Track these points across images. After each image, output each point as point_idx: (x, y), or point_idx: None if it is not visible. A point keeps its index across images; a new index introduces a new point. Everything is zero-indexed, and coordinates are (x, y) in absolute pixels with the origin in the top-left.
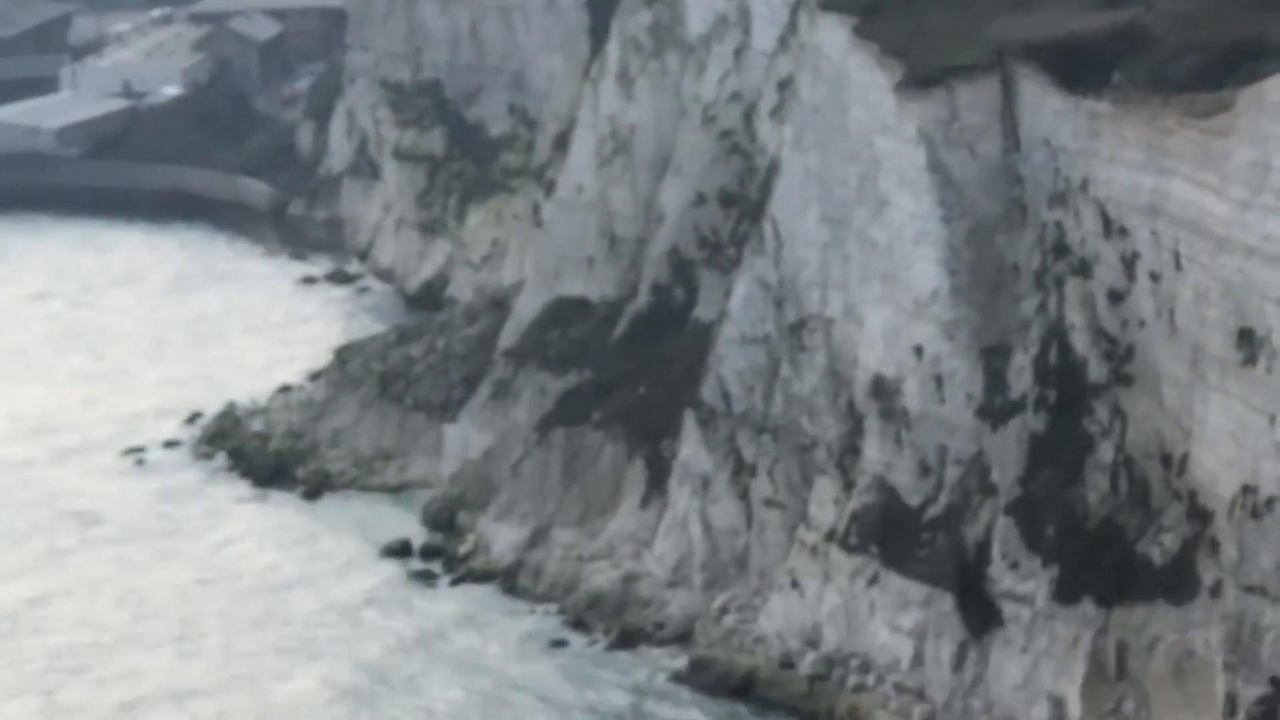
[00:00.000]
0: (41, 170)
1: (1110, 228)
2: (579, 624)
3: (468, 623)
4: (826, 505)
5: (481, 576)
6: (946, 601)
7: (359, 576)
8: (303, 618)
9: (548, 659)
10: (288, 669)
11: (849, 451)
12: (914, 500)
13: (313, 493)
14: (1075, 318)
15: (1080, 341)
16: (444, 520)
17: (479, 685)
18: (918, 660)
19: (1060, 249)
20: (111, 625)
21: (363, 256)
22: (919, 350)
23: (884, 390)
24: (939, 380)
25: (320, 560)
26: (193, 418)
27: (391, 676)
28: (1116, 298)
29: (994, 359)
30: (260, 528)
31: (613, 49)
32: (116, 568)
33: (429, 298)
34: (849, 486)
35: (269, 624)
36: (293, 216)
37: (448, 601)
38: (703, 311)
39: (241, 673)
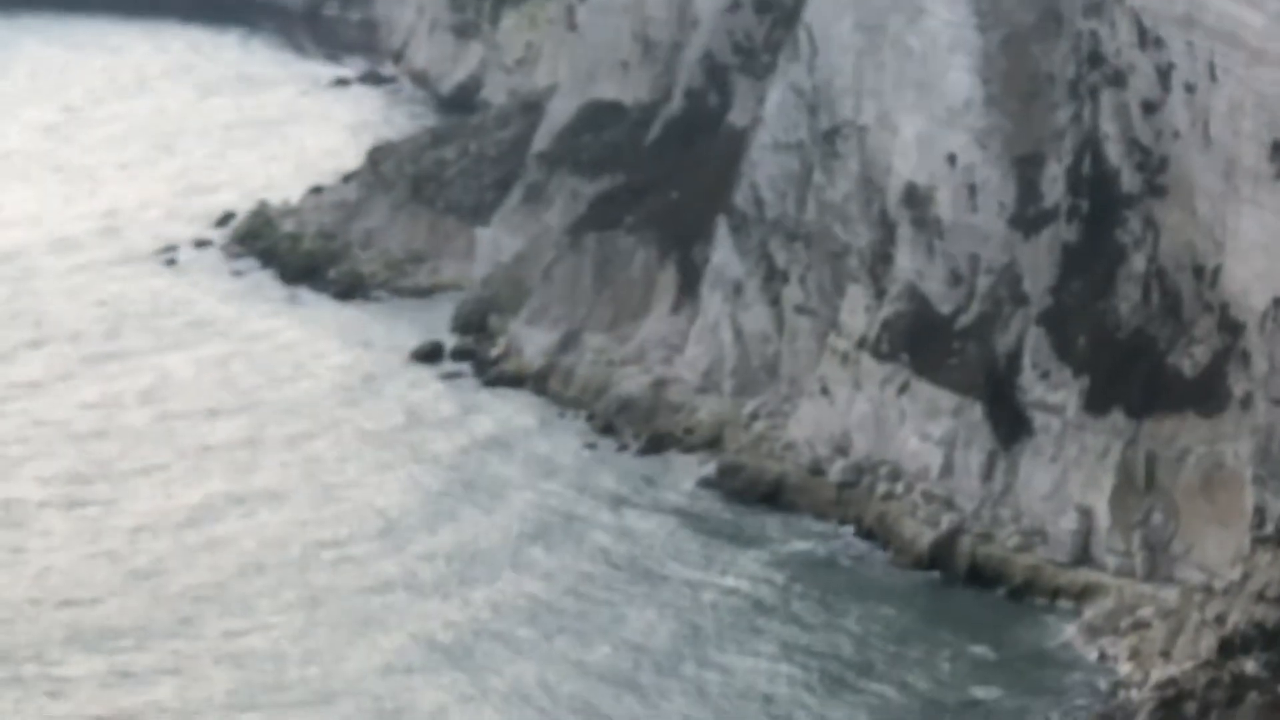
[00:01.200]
0: None
1: (1145, 38)
2: (609, 429)
3: (497, 426)
4: (858, 312)
5: (512, 380)
6: (976, 410)
7: (390, 378)
8: (330, 418)
9: (578, 462)
10: (310, 469)
11: (881, 259)
12: (945, 309)
13: (344, 294)
14: (1109, 128)
15: (1114, 152)
16: (475, 323)
17: (502, 483)
18: (947, 469)
19: (1095, 59)
20: (155, 429)
21: (396, 59)
22: (952, 159)
23: (916, 198)
24: (972, 189)
25: (351, 362)
26: (224, 219)
27: (415, 473)
28: (1151, 109)
29: (1027, 168)
30: (292, 328)
31: None
32: (149, 368)
33: (462, 100)
34: (880, 294)
35: (291, 425)
36: (326, 18)
37: (478, 405)
38: (736, 117)
39: (282, 479)
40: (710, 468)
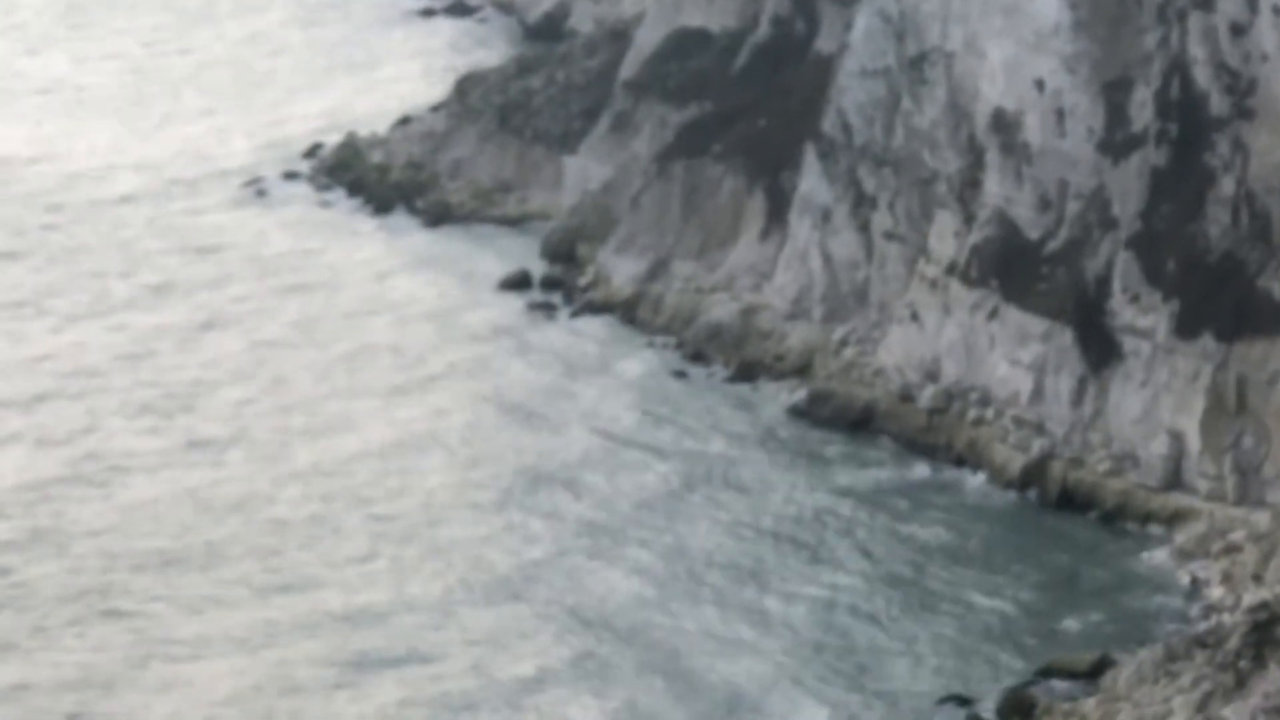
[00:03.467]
0: None
1: None
2: (698, 356)
3: (587, 353)
4: (946, 238)
5: (601, 308)
6: (1066, 335)
7: (479, 307)
8: (418, 348)
9: (668, 389)
10: (395, 403)
11: (969, 185)
12: (1034, 234)
13: (433, 223)
14: (1197, 51)
15: (1202, 75)
16: (563, 252)
17: (592, 412)
18: (1037, 394)
19: None
20: (252, 356)
21: None
22: (1040, 84)
23: (1004, 124)
24: (1060, 114)
25: (440, 290)
26: (312, 149)
27: (509, 402)
28: (1239, 31)
29: (1115, 93)
30: (381, 257)
31: None
32: (239, 298)
33: (549, 29)
34: (969, 220)
35: (380, 356)
36: None
37: (566, 332)
38: (823, 44)
39: (343, 406)
40: (800, 394)
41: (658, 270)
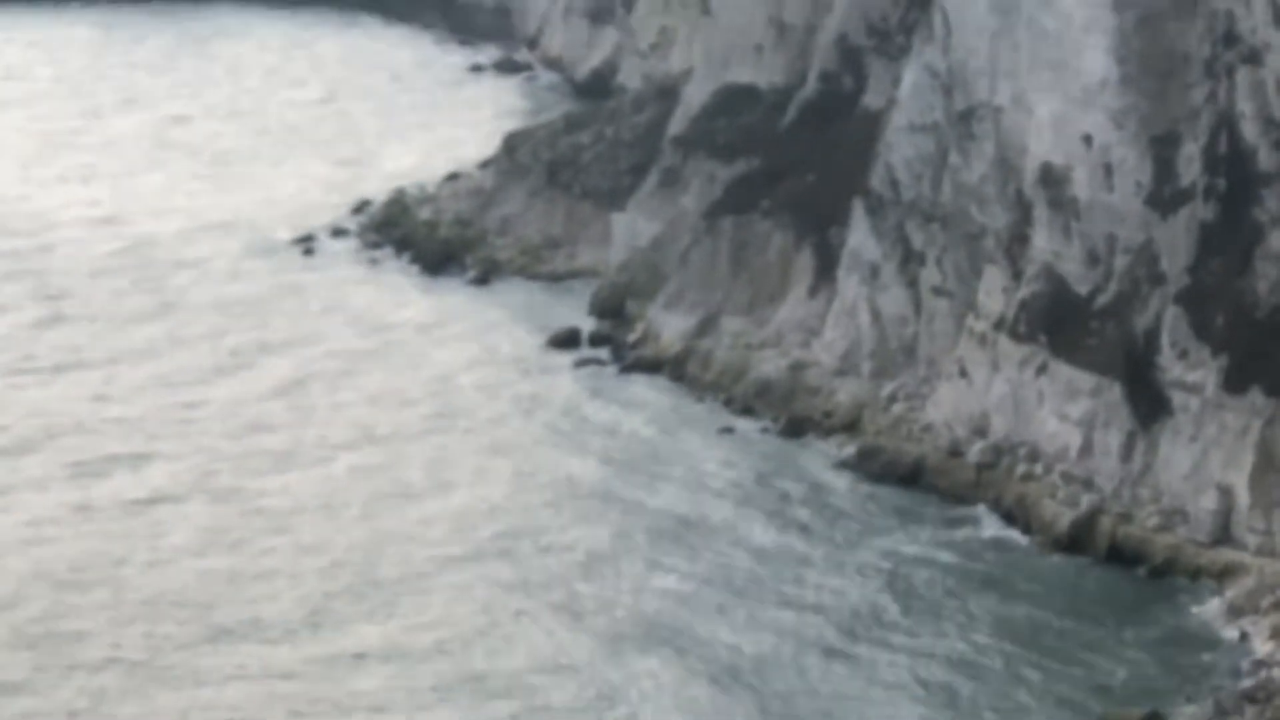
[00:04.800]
0: None
1: None
2: (747, 411)
3: (636, 410)
4: (995, 293)
5: (650, 365)
6: (1115, 390)
7: (527, 364)
8: (466, 404)
9: (716, 445)
10: (472, 458)
11: (1017, 240)
12: (1082, 289)
13: (481, 280)
14: (1245, 106)
15: (1250, 130)
16: (612, 308)
17: (639, 468)
18: (1086, 449)
19: (1230, 38)
20: (277, 407)
21: (531, 45)
22: (1088, 139)
23: (1053, 178)
24: (1108, 168)
25: (488, 348)
26: (360, 206)
27: (555, 457)
28: None
29: (1163, 147)
30: (429, 314)
31: None
32: (289, 352)
33: (597, 86)
34: (1017, 275)
35: (428, 409)
36: (461, 4)
37: (616, 389)
38: (871, 99)
39: (388, 451)
40: (849, 450)
41: (707, 326)
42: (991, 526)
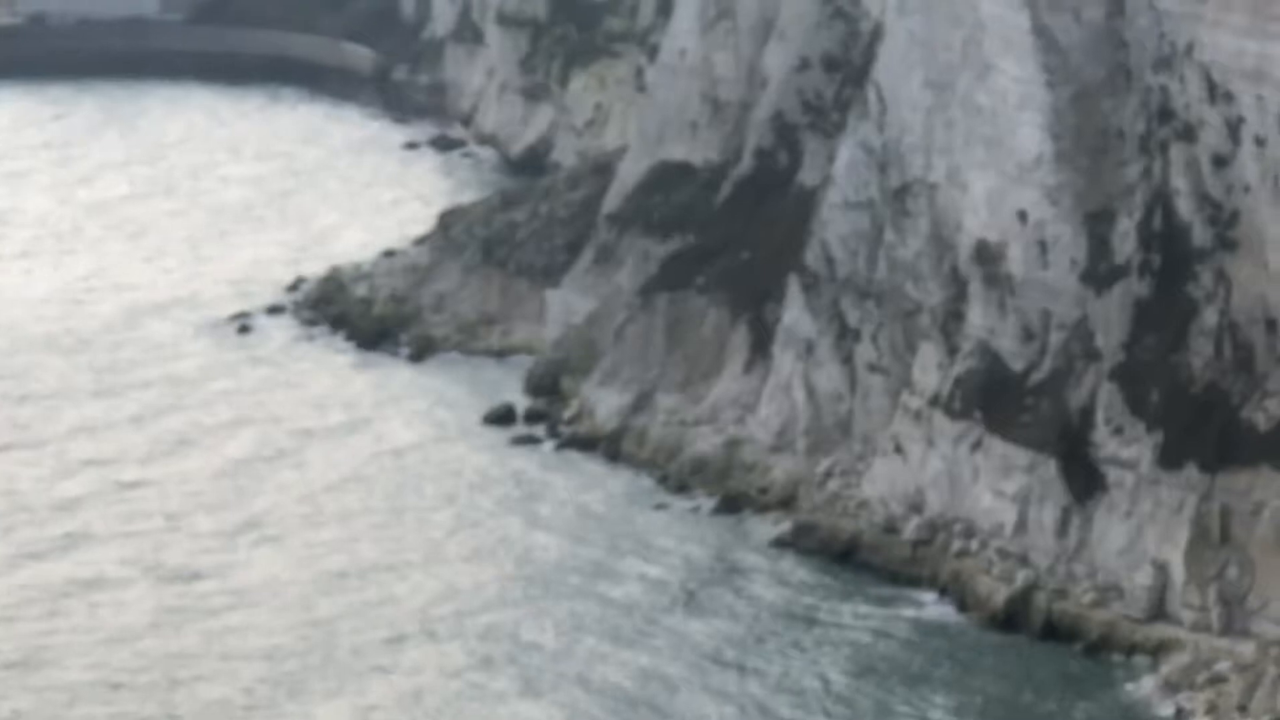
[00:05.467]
0: (144, 36)
1: (1215, 92)
2: (682, 489)
3: (570, 487)
4: (930, 370)
5: (585, 442)
6: (1050, 467)
7: (463, 442)
8: (403, 481)
9: (651, 522)
10: (383, 532)
11: (952, 316)
12: (1017, 365)
13: (416, 357)
14: (1179, 182)
15: (1184, 206)
16: (547, 385)
17: (580, 546)
18: (1021, 526)
19: (1165, 114)
20: (220, 486)
21: (466, 122)
22: (1023, 215)
23: (988, 255)
24: (1043, 245)
25: (424, 425)
26: (296, 284)
27: (495, 536)
28: (1221, 163)
29: (1098, 224)
30: (364, 391)
31: None
32: (229, 431)
33: (532, 163)
34: (952, 351)
35: (367, 488)
36: (396, 82)
37: (550, 467)
38: (806, 176)
39: (334, 533)
40: (785, 526)
41: (642, 403)
42: (927, 603)
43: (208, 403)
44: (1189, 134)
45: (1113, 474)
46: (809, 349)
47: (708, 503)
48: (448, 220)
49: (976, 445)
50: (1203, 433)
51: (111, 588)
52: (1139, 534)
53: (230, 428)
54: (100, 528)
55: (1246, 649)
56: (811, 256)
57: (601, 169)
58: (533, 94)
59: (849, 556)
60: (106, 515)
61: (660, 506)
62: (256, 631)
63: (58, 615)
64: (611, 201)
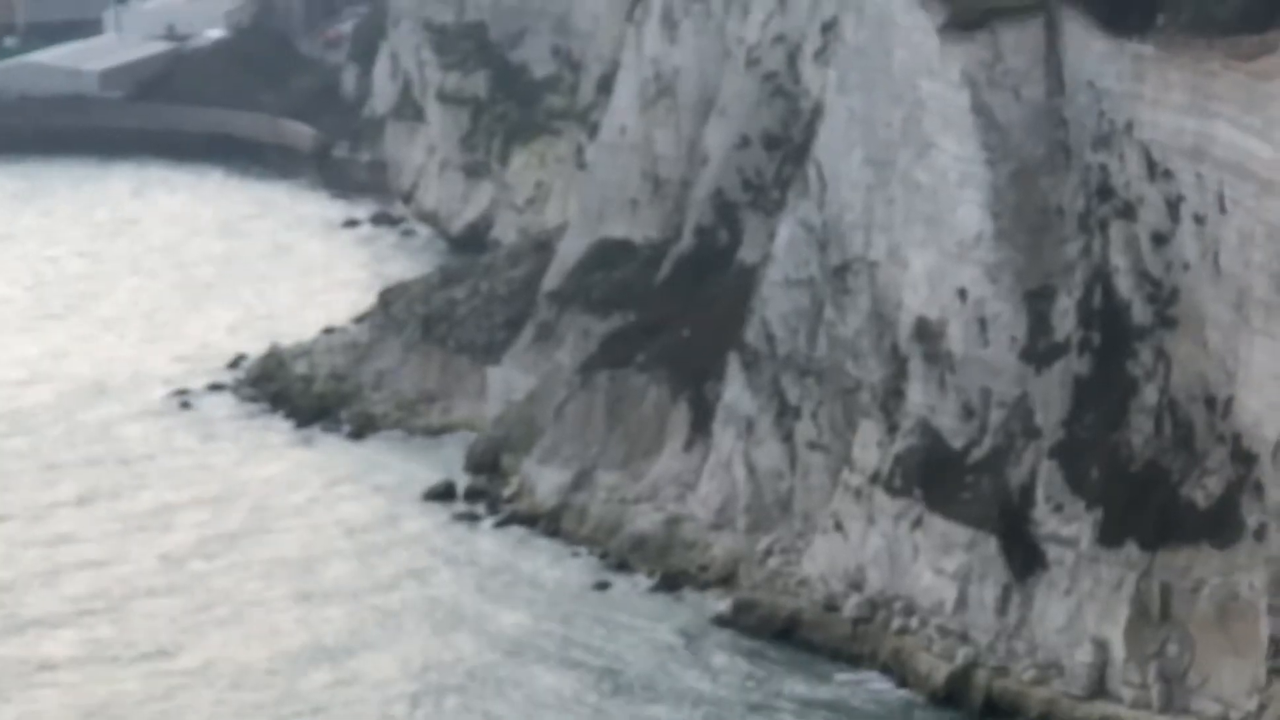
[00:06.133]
0: (85, 113)
1: (1154, 170)
2: (623, 566)
3: (511, 564)
4: (870, 448)
5: (525, 519)
6: (990, 544)
7: (404, 518)
8: (347, 559)
9: (592, 600)
10: (331, 611)
11: (893, 394)
12: (958, 443)
13: (357, 434)
14: (1119, 260)
15: (1124, 284)
16: (488, 463)
17: (519, 624)
18: (961, 603)
19: (1104, 192)
20: (155, 566)
21: (407, 199)
22: (963, 293)
23: (928, 333)
24: (983, 323)
25: (365, 503)
26: (237, 360)
27: (445, 611)
28: (1160, 240)
29: (1038, 302)
30: (305, 469)
31: None
32: (158, 507)
33: (473, 240)
34: (893, 429)
35: (312, 566)
36: (337, 159)
37: (492, 543)
38: (747, 254)
39: (285, 613)
40: (726, 604)
41: (582, 480)
42: (868, 681)
43: (151, 483)
44: (1129, 211)
45: (1053, 551)
46: (749, 426)
47: (648, 580)
48: (388, 297)
49: (917, 523)
50: (1142, 510)
51: (65, 669)
52: (1079, 611)
53: (174, 509)
54: (51, 609)
55: None
56: (752, 334)
57: (542, 246)
58: (473, 171)
59: (789, 634)
60: (56, 597)
61: (601, 585)
62: (221, 713)
63: (9, 701)
64: (552, 279)
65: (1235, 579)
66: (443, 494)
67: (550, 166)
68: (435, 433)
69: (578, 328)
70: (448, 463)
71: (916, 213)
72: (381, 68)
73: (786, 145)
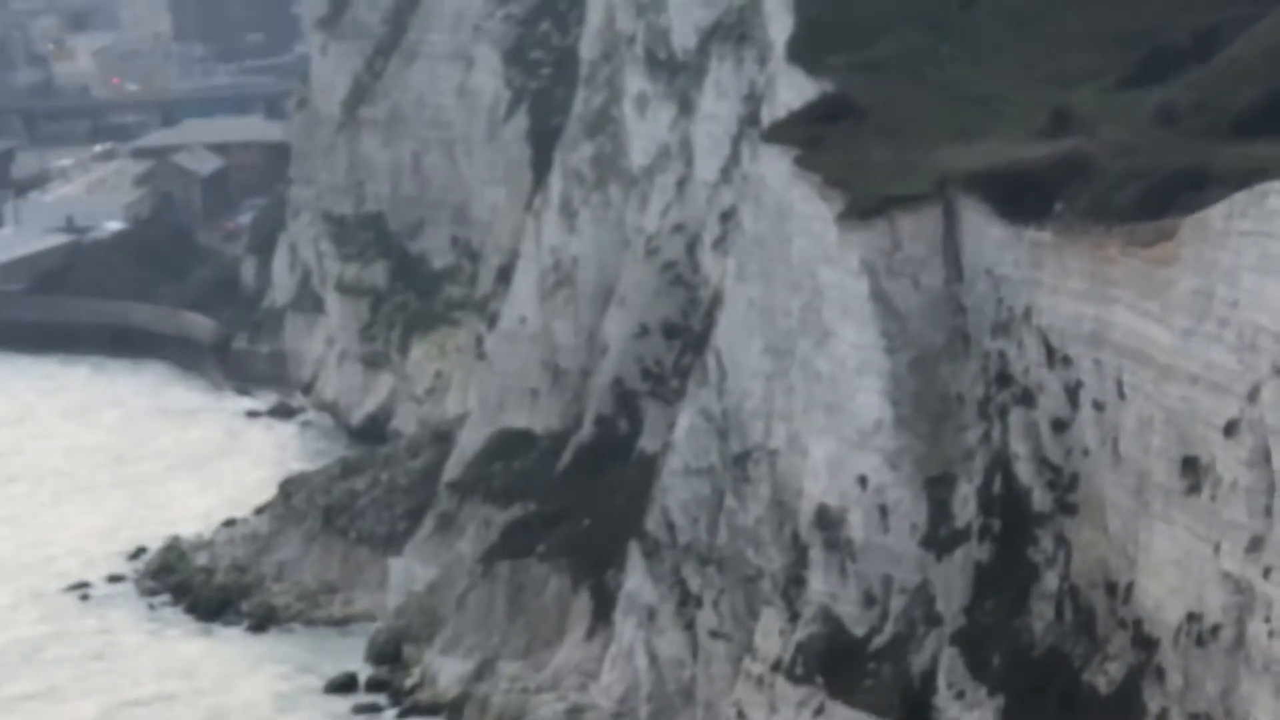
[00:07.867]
0: None
1: (1053, 357)
2: None
3: None
4: (772, 636)
5: (428, 709)
6: None
7: (305, 711)
8: None
9: None
10: None
11: (794, 582)
12: (859, 630)
13: (258, 626)
14: (1019, 447)
15: (1024, 470)
16: (389, 653)
17: None
18: None
19: (1004, 378)
20: None
21: (306, 390)
22: (863, 480)
23: (828, 520)
24: (883, 510)
25: (266, 695)
26: (137, 553)
27: None
28: (1060, 427)
29: (938, 489)
30: (206, 662)
31: (555, 181)
32: (56, 702)
33: (373, 431)
34: (794, 617)
35: None
36: (236, 350)
37: None
38: (647, 443)
39: None
40: None
41: (484, 670)
42: None
43: (41, 674)
44: (1028, 398)
45: None
46: (651, 615)
47: None
48: (289, 489)
49: (819, 711)
50: (1044, 696)
51: None
52: None
53: (71, 701)
54: None
55: None
56: (652, 523)
57: (442, 437)
58: (373, 362)
59: None
60: None
61: None
62: None
63: None
64: (452, 469)
65: None
66: (344, 685)
67: (450, 356)
68: (337, 623)
69: (479, 518)
70: (350, 653)
71: (816, 401)
72: (280, 259)
73: (686, 334)
